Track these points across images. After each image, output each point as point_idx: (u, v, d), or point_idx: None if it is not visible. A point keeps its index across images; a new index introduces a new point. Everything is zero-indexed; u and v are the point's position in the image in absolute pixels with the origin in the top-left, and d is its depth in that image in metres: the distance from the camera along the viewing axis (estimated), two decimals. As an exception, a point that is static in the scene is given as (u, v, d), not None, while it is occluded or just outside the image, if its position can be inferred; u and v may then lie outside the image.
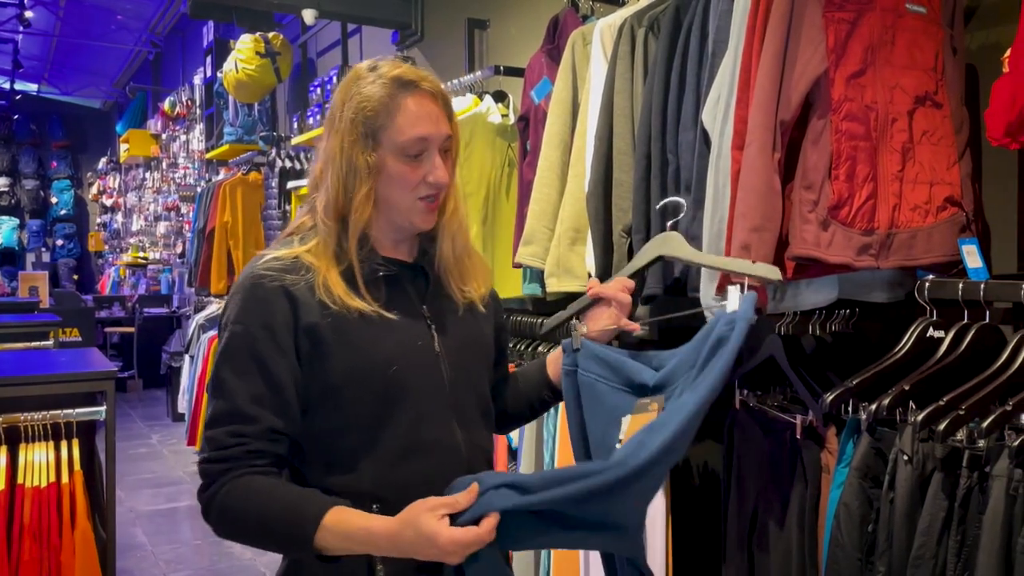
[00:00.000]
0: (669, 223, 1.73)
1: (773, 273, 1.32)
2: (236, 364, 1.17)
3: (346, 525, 1.10)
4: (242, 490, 1.13)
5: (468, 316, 1.33)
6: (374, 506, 1.16)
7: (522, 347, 2.60)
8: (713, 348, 1.18)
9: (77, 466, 2.06)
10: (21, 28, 8.21)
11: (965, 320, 1.47)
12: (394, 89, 1.21)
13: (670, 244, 1.45)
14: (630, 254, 1.86)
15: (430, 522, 1.04)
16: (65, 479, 2.03)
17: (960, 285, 1.45)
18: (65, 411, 2.07)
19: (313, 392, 1.20)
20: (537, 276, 2.30)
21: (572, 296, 2.16)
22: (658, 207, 1.79)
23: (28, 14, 7.96)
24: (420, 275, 1.30)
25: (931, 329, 1.52)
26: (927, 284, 1.50)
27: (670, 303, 1.84)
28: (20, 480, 2.00)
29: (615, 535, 1.14)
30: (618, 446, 1.23)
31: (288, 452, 1.21)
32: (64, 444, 2.07)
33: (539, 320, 2.49)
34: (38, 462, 2.03)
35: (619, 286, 1.37)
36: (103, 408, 2.15)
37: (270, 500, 1.13)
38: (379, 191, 1.23)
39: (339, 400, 1.20)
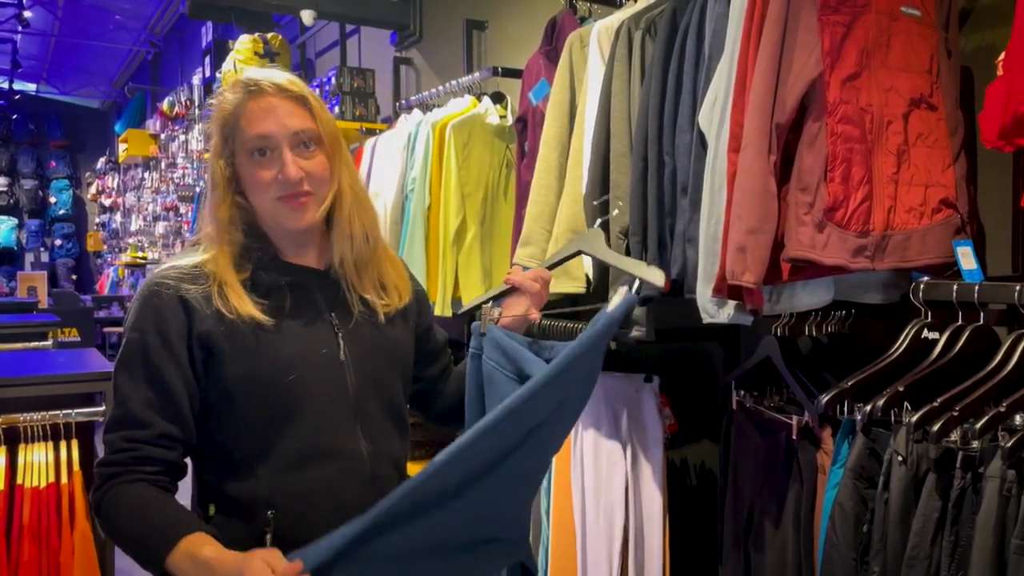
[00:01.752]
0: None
1: (656, 278, 1.37)
2: (131, 371, 1.18)
3: (194, 555, 1.09)
4: (123, 499, 1.14)
5: (381, 322, 1.31)
6: (269, 512, 1.18)
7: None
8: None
9: (76, 466, 2.07)
10: (20, 28, 8.21)
11: (960, 322, 1.48)
12: (241, 94, 1.22)
13: (590, 241, 1.52)
14: (626, 256, 1.87)
15: (257, 565, 1.02)
16: (64, 479, 2.04)
17: (955, 287, 1.46)
18: (64, 411, 2.08)
19: (210, 399, 1.21)
20: (535, 277, 2.30)
21: (570, 297, 2.17)
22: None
23: (27, 14, 7.97)
24: (329, 282, 1.29)
25: (926, 330, 1.53)
26: (922, 286, 1.51)
27: (667, 304, 1.85)
28: (19, 481, 2.00)
29: (509, 547, 1.20)
30: None
31: (182, 458, 1.21)
32: (63, 444, 2.07)
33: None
34: (37, 462, 2.03)
35: (533, 275, 1.38)
36: (102, 408, 2.16)
37: (141, 514, 1.14)
38: (247, 198, 1.24)
39: (234, 407, 1.20)
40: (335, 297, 1.29)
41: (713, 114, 1.63)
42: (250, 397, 1.20)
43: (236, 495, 1.20)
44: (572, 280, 2.08)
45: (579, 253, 1.55)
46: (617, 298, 1.25)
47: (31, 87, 11.36)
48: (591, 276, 2.01)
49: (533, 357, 1.29)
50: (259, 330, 1.20)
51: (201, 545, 1.10)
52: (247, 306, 1.20)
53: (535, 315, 1.38)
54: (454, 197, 2.70)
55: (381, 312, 1.32)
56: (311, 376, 1.22)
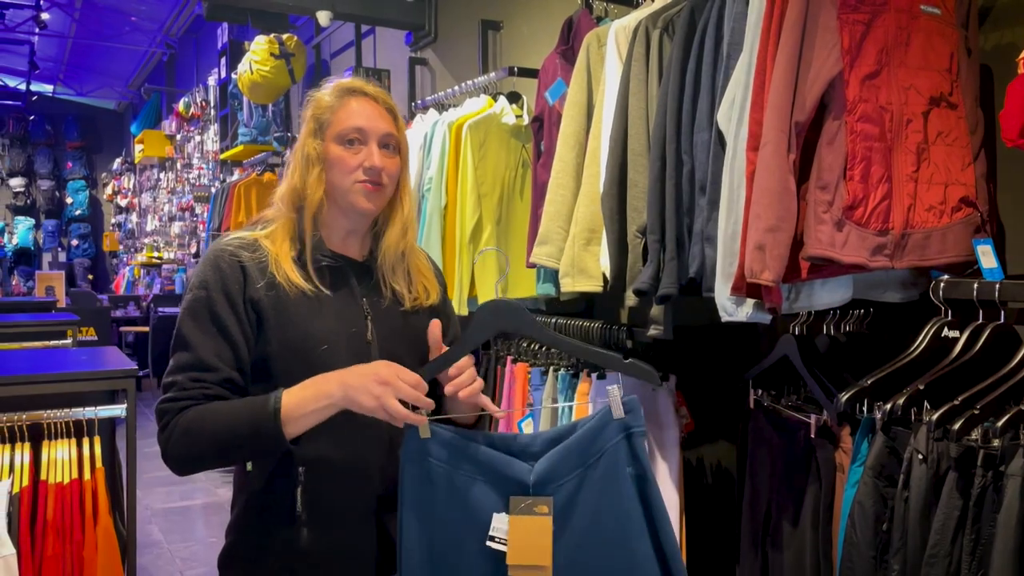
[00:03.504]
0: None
1: (651, 378, 1.33)
2: (198, 322, 1.31)
3: (294, 393, 1.25)
4: (199, 411, 1.26)
5: (406, 314, 1.44)
6: (300, 468, 1.31)
7: (535, 347, 2.62)
8: (605, 456, 1.27)
9: (99, 463, 2.09)
10: (37, 30, 8.29)
11: (980, 320, 1.48)
12: (341, 92, 1.41)
13: (510, 318, 1.33)
14: (644, 255, 1.87)
15: (385, 367, 1.22)
16: (87, 476, 2.06)
17: (975, 285, 1.46)
18: (87, 409, 2.10)
19: (253, 359, 1.34)
20: (551, 276, 2.31)
21: (586, 296, 2.18)
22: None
23: (44, 16, 8.04)
24: (365, 272, 1.43)
25: (946, 329, 1.53)
26: (942, 284, 1.51)
27: (685, 302, 1.86)
28: (43, 477, 2.03)
29: None
30: (492, 544, 1.25)
31: None
32: (86, 441, 2.10)
33: (552, 320, 2.50)
34: (61, 459, 2.06)
35: (458, 377, 1.34)
36: (124, 406, 2.19)
37: (227, 407, 1.26)
38: (325, 177, 1.39)
39: (271, 369, 1.33)
40: (369, 285, 1.43)
41: (732, 113, 1.63)
42: (286, 361, 1.32)
43: None
44: (589, 279, 2.09)
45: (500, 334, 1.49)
46: (616, 401, 1.27)
47: (48, 88, 11.46)
48: (608, 275, 2.01)
49: (507, 458, 1.27)
50: (301, 302, 1.34)
51: (303, 387, 1.25)
52: (295, 278, 1.34)
53: (500, 413, 1.52)
54: (470, 197, 2.71)
55: (409, 304, 1.45)
56: (340, 350, 1.35)
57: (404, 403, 1.24)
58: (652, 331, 1.91)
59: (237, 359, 1.31)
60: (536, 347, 2.60)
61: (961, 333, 1.49)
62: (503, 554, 1.25)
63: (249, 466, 1.35)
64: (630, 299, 1.92)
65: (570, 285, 2.12)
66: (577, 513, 1.28)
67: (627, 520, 1.27)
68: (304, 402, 1.24)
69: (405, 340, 1.43)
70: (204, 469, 1.33)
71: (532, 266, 2.32)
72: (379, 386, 1.21)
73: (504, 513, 1.26)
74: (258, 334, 1.33)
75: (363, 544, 1.35)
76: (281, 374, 1.32)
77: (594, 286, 2.08)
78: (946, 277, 1.53)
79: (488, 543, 1.25)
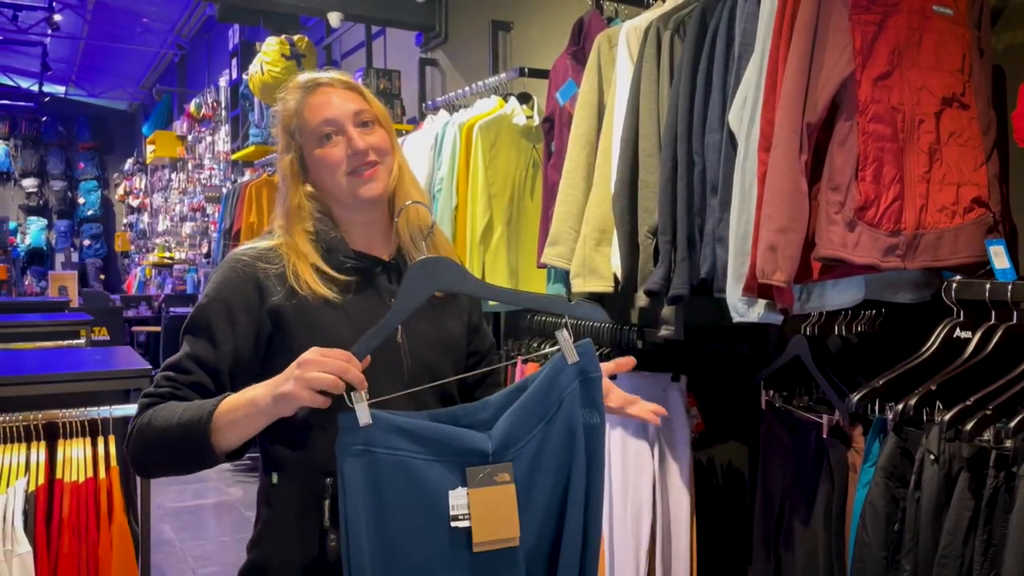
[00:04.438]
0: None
1: (597, 314, 1.28)
2: (194, 328, 1.30)
3: (235, 400, 1.19)
4: (159, 410, 1.23)
5: (436, 314, 1.40)
6: (327, 480, 1.25)
7: (545, 346, 2.62)
8: (561, 407, 1.20)
9: (114, 462, 2.11)
10: (50, 31, 8.35)
11: (992, 321, 1.48)
12: (300, 95, 1.36)
13: (441, 276, 1.25)
14: (655, 255, 1.87)
15: (309, 351, 1.12)
16: (102, 474, 2.08)
17: (987, 286, 1.46)
18: (102, 408, 2.12)
19: (275, 368, 1.24)
20: (562, 277, 2.32)
21: (595, 296, 2.18)
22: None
23: (56, 17, 8.10)
24: (393, 273, 1.39)
25: (958, 330, 1.53)
26: (954, 285, 1.51)
27: (696, 303, 1.86)
28: (59, 475, 2.05)
29: None
30: (456, 524, 1.13)
31: None
32: (101, 440, 2.11)
33: (562, 320, 2.50)
34: (76, 458, 2.08)
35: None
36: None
37: (179, 405, 1.23)
38: (318, 185, 1.35)
39: None
40: (396, 285, 1.37)
41: (743, 113, 1.63)
42: None
43: (297, 462, 1.28)
44: (600, 279, 2.09)
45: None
46: (568, 347, 1.21)
47: (60, 89, 11.53)
48: (619, 275, 2.02)
49: (460, 430, 1.17)
50: (324, 308, 1.30)
51: (238, 394, 1.19)
52: (316, 286, 1.30)
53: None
54: (481, 197, 2.72)
55: (442, 304, 1.40)
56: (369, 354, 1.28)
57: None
58: (663, 331, 1.91)
59: (214, 368, 1.27)
60: (547, 347, 2.60)
61: (973, 334, 1.49)
62: (465, 534, 1.13)
63: (275, 479, 1.30)
64: (641, 299, 1.92)
65: (581, 285, 2.12)
66: (541, 475, 1.18)
67: (576, 481, 1.18)
68: (235, 407, 1.17)
69: (437, 343, 1.38)
70: (159, 472, 1.28)
71: (543, 266, 2.33)
72: (297, 367, 1.11)
73: (462, 488, 1.14)
74: (277, 343, 1.29)
75: None
76: None
77: (605, 286, 2.08)
78: (958, 278, 1.53)
79: (452, 523, 1.13)
